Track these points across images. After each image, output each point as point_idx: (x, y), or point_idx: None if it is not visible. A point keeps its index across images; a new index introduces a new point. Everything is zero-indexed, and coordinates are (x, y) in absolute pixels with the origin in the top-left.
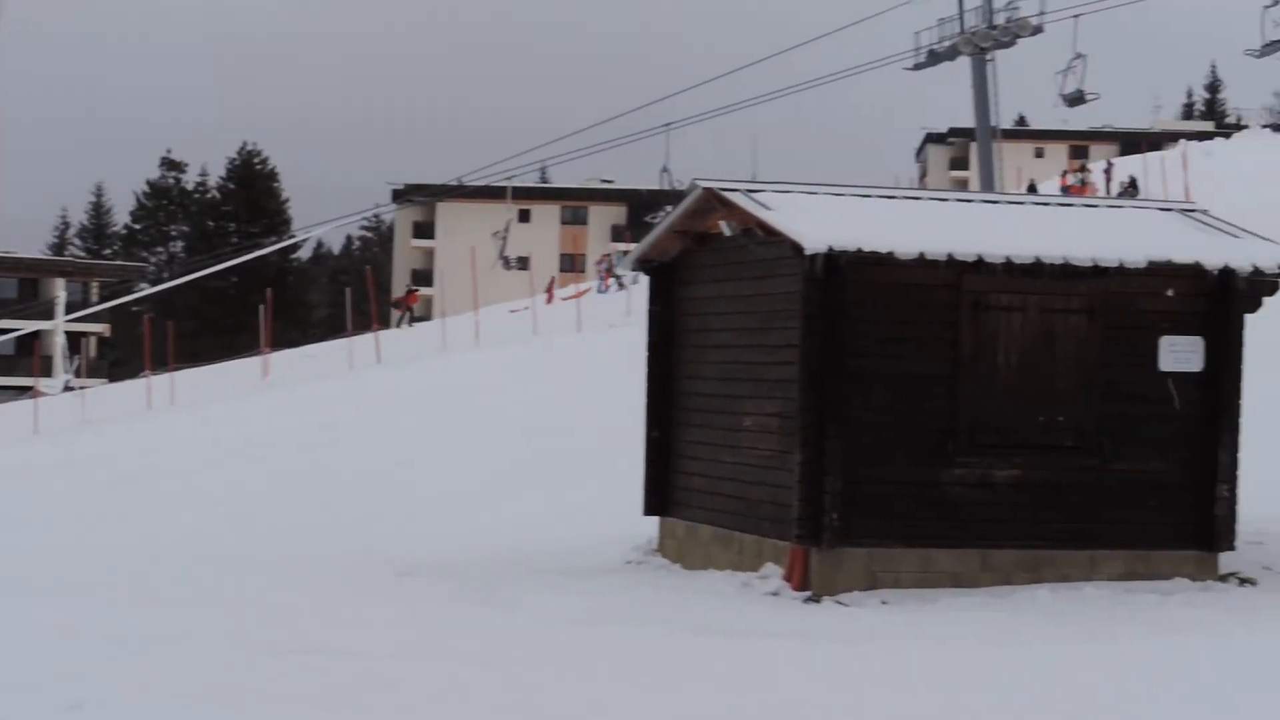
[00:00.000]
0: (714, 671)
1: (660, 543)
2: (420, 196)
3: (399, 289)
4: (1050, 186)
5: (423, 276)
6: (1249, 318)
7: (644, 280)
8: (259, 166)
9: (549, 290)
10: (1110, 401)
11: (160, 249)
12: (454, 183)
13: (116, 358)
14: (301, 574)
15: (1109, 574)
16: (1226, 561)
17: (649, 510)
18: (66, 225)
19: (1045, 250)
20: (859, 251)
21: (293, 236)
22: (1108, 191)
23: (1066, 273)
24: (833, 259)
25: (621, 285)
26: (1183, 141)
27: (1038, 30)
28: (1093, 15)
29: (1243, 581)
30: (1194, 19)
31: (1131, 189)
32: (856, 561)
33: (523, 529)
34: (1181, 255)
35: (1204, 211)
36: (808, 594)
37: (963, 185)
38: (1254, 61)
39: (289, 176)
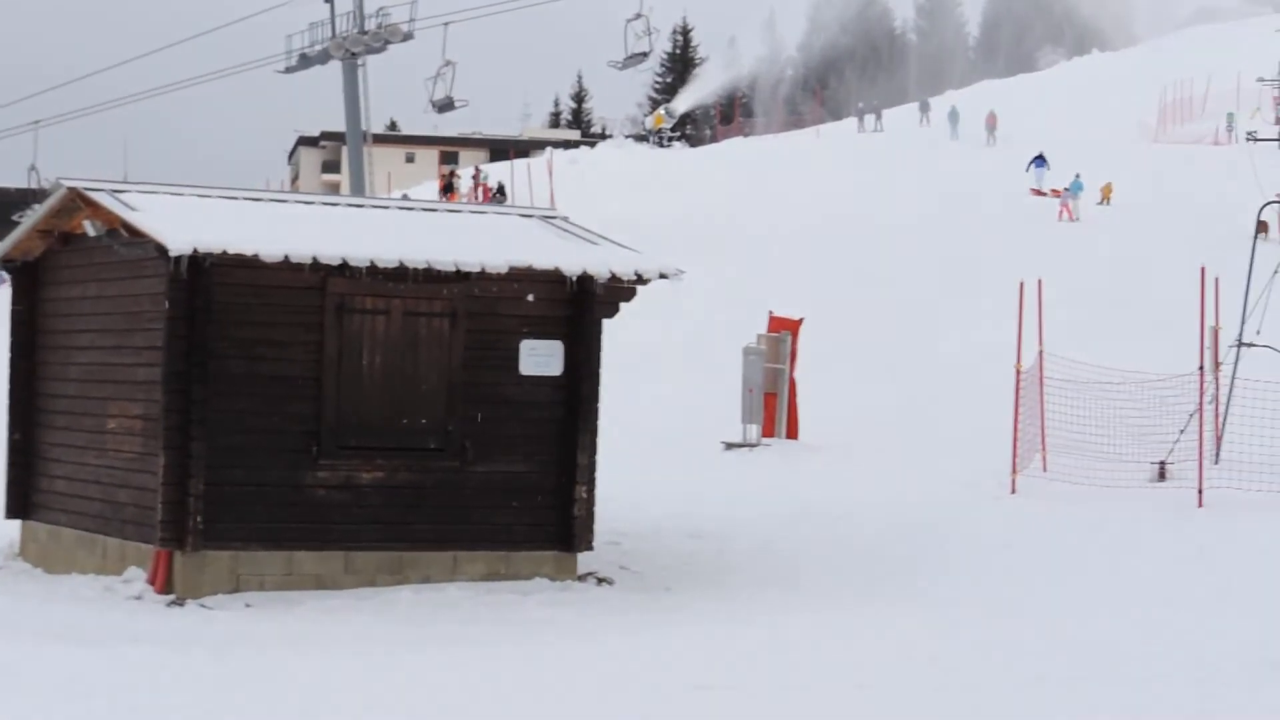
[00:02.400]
0: (62, 680)
1: (22, 547)
2: None
3: None
4: (427, 191)
5: None
6: (607, 323)
7: None
8: None
9: None
10: (473, 404)
11: None
12: None
13: None
14: None
15: (472, 574)
16: (585, 561)
17: (10, 514)
18: None
19: (409, 254)
20: (224, 254)
21: None
22: (476, 197)
23: (430, 277)
24: (197, 261)
25: None
26: (549, 149)
27: (408, 36)
28: (463, 23)
29: (600, 581)
30: (563, 30)
31: (500, 195)
32: (221, 564)
33: None
34: (542, 261)
35: (565, 219)
36: (171, 597)
37: (335, 189)
38: (618, 73)
39: None
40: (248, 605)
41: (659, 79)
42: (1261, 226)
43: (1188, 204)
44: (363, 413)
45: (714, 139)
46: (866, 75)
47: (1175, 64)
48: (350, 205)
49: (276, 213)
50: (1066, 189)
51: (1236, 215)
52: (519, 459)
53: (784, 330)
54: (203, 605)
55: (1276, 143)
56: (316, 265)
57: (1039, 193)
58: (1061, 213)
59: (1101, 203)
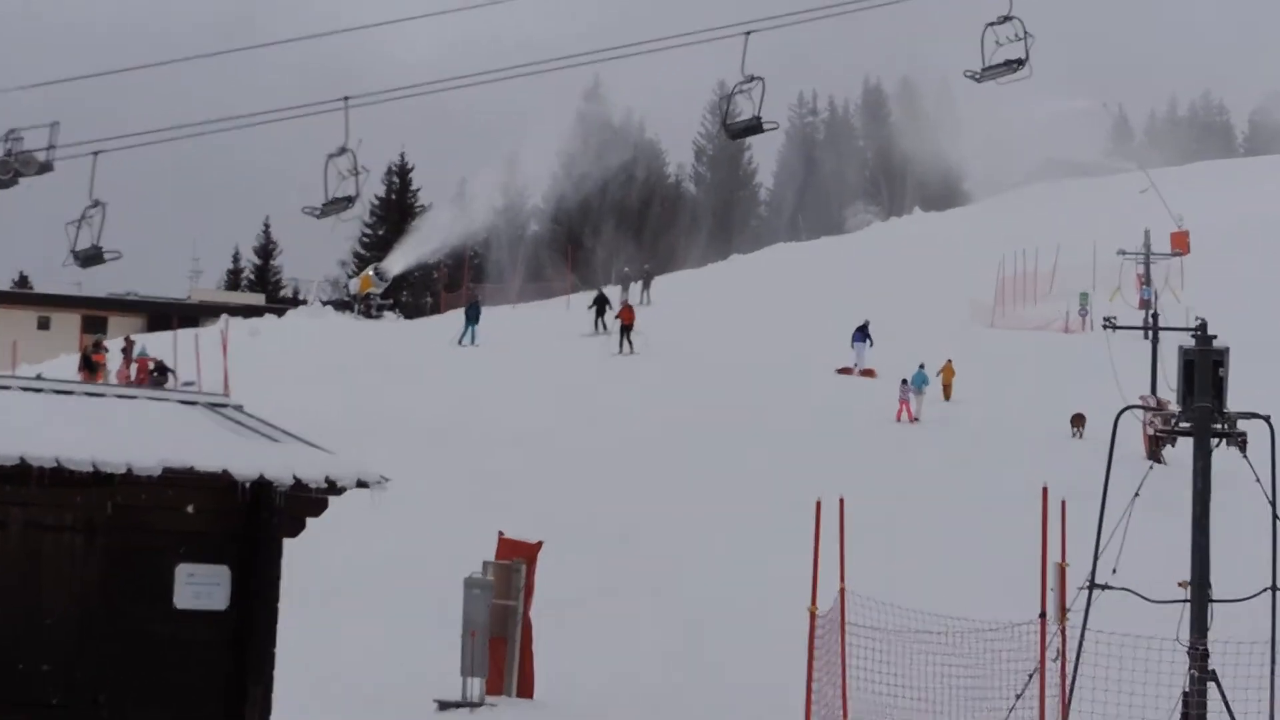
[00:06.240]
0: None
1: None
2: None
3: None
4: (64, 366)
5: None
6: (290, 543)
7: None
8: None
9: None
10: (113, 645)
11: None
12: None
13: None
14: None
15: None
16: None
17: None
18: None
19: (33, 450)
20: None
21: None
22: (128, 376)
23: (60, 479)
24: None
25: None
26: (225, 317)
27: (46, 168)
28: (117, 153)
29: None
30: (246, 167)
31: (159, 374)
32: None
33: None
34: (206, 462)
35: (239, 408)
36: None
37: None
38: (316, 222)
39: None
40: None
41: (368, 230)
42: (1076, 421)
43: (1031, 405)
44: None
45: (437, 309)
46: (630, 231)
47: (1017, 229)
48: None
49: None
50: (906, 382)
51: (1091, 422)
52: (172, 715)
53: (518, 557)
54: None
55: (1141, 331)
56: None
57: (848, 371)
58: (901, 412)
59: (945, 398)
